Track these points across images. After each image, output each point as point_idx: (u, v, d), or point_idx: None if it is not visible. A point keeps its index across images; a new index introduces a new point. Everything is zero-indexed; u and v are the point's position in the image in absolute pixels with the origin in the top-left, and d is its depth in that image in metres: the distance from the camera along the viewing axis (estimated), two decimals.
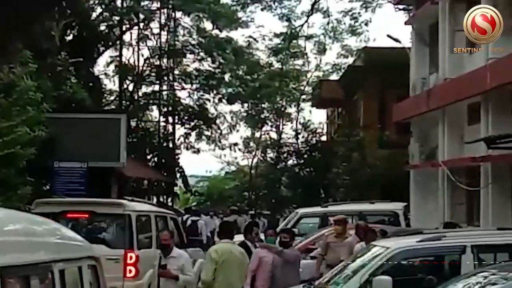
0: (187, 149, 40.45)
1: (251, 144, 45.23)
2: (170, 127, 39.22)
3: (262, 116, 43.30)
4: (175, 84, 39.58)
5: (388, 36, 25.71)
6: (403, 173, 25.02)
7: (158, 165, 36.10)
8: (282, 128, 43.20)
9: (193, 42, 38.34)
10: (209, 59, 38.22)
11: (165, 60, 38.51)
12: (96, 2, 33.61)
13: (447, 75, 21.08)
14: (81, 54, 25.37)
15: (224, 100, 40.46)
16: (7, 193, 15.08)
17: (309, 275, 12.45)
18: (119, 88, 37.34)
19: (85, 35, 30.24)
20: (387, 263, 8.52)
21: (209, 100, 40.18)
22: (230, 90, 40.40)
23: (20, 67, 16.49)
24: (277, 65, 42.91)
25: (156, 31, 37.67)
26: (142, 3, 35.33)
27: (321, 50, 42.90)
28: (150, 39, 37.96)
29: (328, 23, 41.20)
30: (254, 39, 41.64)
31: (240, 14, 39.91)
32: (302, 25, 40.87)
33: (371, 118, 30.77)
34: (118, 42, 36.43)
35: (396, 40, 25.75)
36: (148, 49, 38.22)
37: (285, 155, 40.01)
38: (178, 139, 39.81)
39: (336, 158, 31.83)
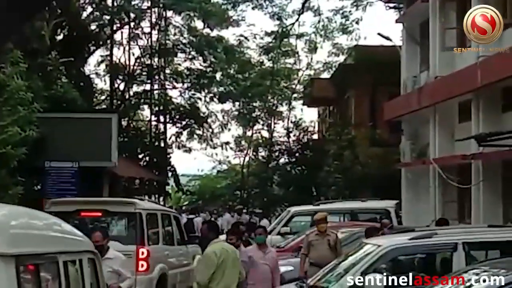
0: (179, 148, 40.44)
1: (243, 143, 45.20)
2: (161, 126, 39.15)
3: (254, 114, 43.27)
4: (166, 83, 39.52)
5: (379, 34, 25.81)
6: (395, 171, 25.09)
7: (150, 165, 36.04)
8: (274, 127, 43.20)
9: (184, 41, 38.30)
10: (200, 58, 38.19)
11: (156, 59, 38.41)
12: (87, 1, 33.53)
13: (438, 73, 21.14)
14: (72, 53, 25.31)
15: (215, 99, 40.45)
16: None
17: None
18: (110, 87, 37.23)
19: (75, 34, 30.14)
20: (379, 260, 8.55)
21: (200, 99, 40.18)
22: (221, 89, 40.37)
23: (10, 66, 16.44)
24: (268, 63, 42.88)
25: (147, 30, 37.61)
26: (133, 2, 35.25)
27: (312, 48, 42.90)
28: (141, 38, 37.88)
29: (319, 22, 41.21)
30: (245, 38, 41.63)
31: (231, 13, 39.87)
32: (293, 24, 40.87)
33: (363, 116, 30.83)
34: (108, 41, 36.32)
35: (387, 38, 25.84)
36: (139, 48, 38.15)
37: (276, 153, 40.04)
38: (170, 138, 39.78)
39: (328, 156, 31.87)
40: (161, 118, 38.95)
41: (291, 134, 39.67)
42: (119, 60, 37.67)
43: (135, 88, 38.93)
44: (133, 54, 37.92)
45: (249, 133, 44.75)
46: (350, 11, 39.35)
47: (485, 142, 17.15)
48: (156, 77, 38.58)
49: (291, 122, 41.61)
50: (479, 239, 8.91)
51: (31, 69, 18.40)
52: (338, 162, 30.14)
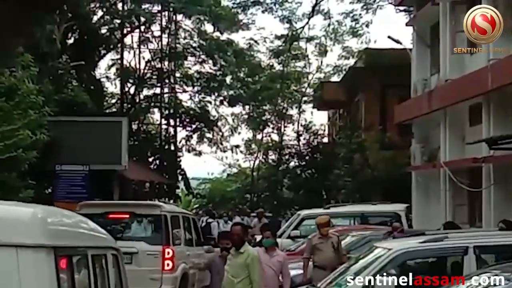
0: (189, 151, 40.52)
1: (253, 146, 45.23)
2: (171, 130, 39.24)
3: (264, 118, 43.29)
4: (177, 86, 39.61)
5: (389, 37, 25.71)
6: (405, 175, 25.00)
7: (160, 168, 36.11)
8: (284, 130, 43.19)
9: (194, 44, 38.39)
10: (210, 61, 38.26)
11: (166, 63, 38.53)
12: (97, 5, 33.65)
13: (448, 76, 21.06)
14: (82, 57, 25.44)
15: (225, 103, 40.50)
16: (8, 197, 15.07)
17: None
18: (121, 91, 37.36)
19: (86, 38, 30.28)
20: (389, 264, 8.52)
21: (210, 102, 40.26)
22: (231, 92, 40.42)
23: (21, 70, 16.52)
24: (278, 67, 42.94)
25: (157, 33, 37.74)
26: (143, 6, 35.37)
27: (322, 51, 42.90)
28: (151, 42, 38.02)
29: (329, 25, 41.26)
30: (255, 41, 41.70)
31: (241, 17, 39.98)
32: (303, 27, 40.93)
33: (373, 119, 30.75)
34: (119, 45, 36.47)
35: (397, 41, 25.76)
36: (149, 52, 38.27)
37: (286, 157, 40.01)
38: (180, 141, 39.88)
39: (338, 159, 31.81)
40: (171, 122, 39.05)
41: (301, 138, 39.63)
42: (130, 63, 37.83)
43: (145, 92, 39.08)
44: (144, 58, 38.12)
45: (259, 137, 44.78)
46: (360, 14, 39.43)
47: (496, 145, 17.09)
48: (166, 80, 38.70)
49: (301, 125, 41.63)
50: (490, 242, 8.88)
51: (42, 73, 18.50)
52: (348, 165, 30.08)
